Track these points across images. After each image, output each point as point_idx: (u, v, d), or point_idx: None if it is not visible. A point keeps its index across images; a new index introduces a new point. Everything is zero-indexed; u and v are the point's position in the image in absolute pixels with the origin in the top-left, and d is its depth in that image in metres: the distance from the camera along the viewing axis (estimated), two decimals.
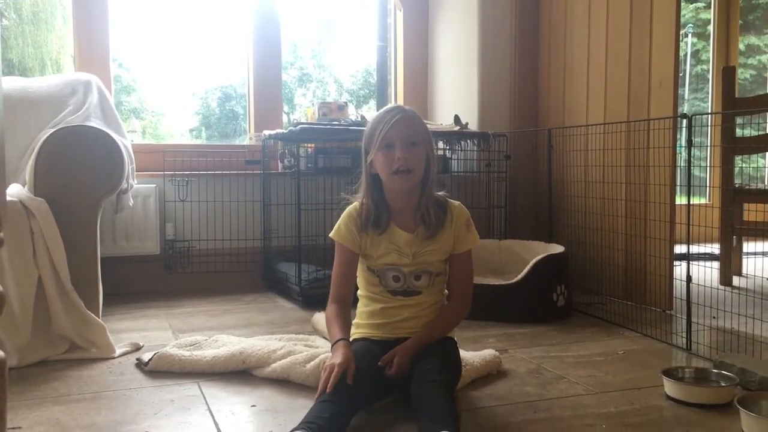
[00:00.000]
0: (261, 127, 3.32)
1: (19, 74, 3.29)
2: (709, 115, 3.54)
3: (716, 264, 3.11)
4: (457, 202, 1.69)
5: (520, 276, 2.50)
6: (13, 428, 1.43)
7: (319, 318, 2.30)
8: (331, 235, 1.65)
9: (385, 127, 1.54)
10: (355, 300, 1.72)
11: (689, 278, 2.12)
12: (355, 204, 1.64)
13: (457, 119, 3.21)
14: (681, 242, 2.26)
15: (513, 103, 3.37)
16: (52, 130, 2.13)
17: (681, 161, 2.57)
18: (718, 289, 2.28)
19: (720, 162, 3.18)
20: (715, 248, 3.15)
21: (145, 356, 1.87)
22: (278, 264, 3.04)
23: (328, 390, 1.37)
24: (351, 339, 1.66)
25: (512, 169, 3.24)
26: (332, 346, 1.53)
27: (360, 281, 1.70)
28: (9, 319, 1.86)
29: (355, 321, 1.70)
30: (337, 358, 1.44)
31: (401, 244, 1.61)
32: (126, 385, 1.74)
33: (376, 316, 1.65)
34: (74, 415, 1.53)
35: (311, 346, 1.94)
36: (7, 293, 1.84)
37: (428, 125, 1.69)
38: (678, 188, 2.56)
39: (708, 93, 5.45)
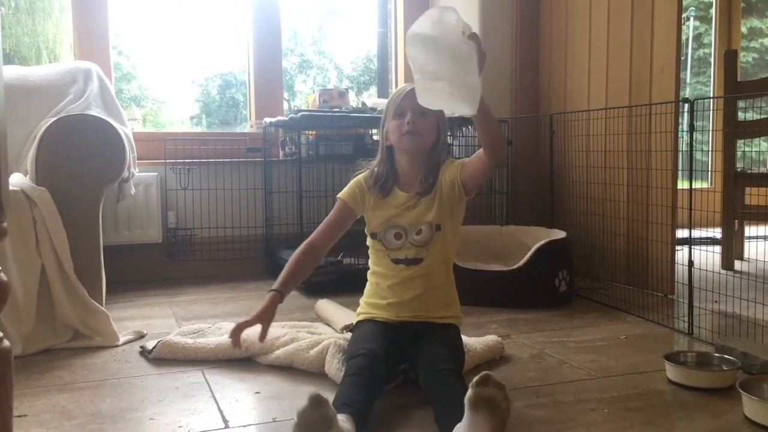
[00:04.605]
0: (262, 115, 3.31)
1: (18, 63, 3.28)
2: (711, 100, 3.52)
3: (718, 248, 3.11)
4: (449, 159, 1.71)
5: (522, 262, 2.50)
6: (20, 416, 1.44)
7: (322, 305, 2.31)
8: (338, 195, 1.73)
9: (398, 98, 1.65)
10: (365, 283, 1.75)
11: (691, 263, 2.12)
12: (365, 173, 1.74)
13: None
14: (683, 227, 2.26)
15: (514, 89, 3.35)
16: (53, 119, 2.12)
17: (683, 146, 2.57)
18: (719, 273, 2.28)
19: (722, 146, 3.17)
20: (716, 233, 3.15)
21: (149, 344, 1.88)
22: (280, 251, 3.04)
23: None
24: (356, 320, 1.69)
25: (513, 155, 3.23)
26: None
27: (370, 256, 1.74)
28: (13, 308, 1.87)
29: (362, 299, 1.73)
30: (253, 313, 1.54)
31: (400, 201, 1.68)
32: (130, 372, 1.75)
33: (382, 295, 1.66)
34: (79, 402, 1.54)
35: (314, 332, 1.94)
36: (10, 282, 1.84)
37: None
38: (680, 173, 2.56)
39: (710, 77, 5.43)
